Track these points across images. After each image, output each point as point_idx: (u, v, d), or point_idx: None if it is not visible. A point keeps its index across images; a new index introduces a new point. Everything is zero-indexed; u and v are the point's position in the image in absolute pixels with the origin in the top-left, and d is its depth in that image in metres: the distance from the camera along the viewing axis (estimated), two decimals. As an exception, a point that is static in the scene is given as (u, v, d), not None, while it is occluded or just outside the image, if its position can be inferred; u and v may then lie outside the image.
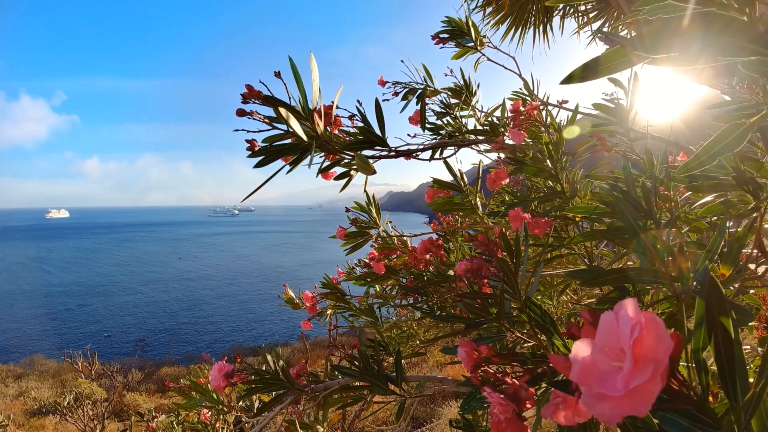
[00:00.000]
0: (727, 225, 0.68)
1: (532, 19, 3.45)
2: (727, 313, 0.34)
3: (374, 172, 0.82)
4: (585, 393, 0.31)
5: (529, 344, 0.74)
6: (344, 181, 0.94)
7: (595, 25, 3.44)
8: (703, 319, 0.35)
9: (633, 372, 0.28)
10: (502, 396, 0.41)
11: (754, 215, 0.73)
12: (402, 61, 1.75)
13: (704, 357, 0.36)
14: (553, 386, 0.41)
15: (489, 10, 3.35)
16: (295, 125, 0.75)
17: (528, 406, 0.41)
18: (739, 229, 0.70)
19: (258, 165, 0.78)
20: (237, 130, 0.76)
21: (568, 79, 0.56)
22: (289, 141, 0.80)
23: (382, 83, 1.79)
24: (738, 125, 0.55)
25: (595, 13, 3.36)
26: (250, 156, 0.78)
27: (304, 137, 0.78)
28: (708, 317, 0.35)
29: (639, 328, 0.29)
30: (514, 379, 0.44)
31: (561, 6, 3.25)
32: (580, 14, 3.46)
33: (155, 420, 2.28)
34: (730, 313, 0.34)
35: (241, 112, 0.73)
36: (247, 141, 0.77)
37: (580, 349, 0.32)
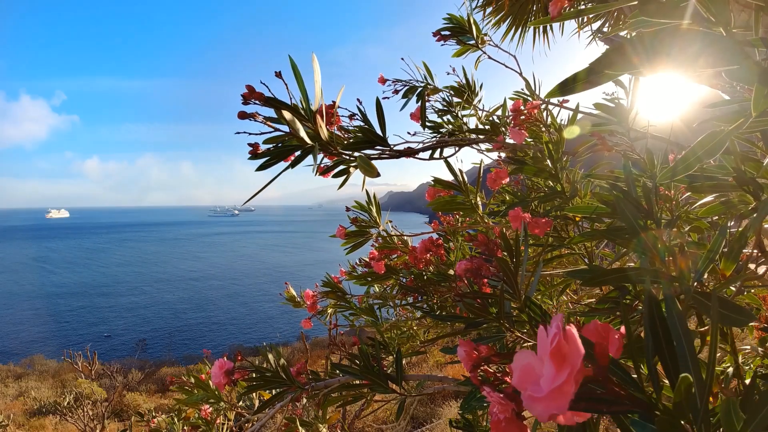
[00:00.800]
0: (722, 226, 0.68)
1: (532, 18, 3.45)
2: (666, 327, 0.38)
3: (378, 175, 0.82)
4: (522, 395, 0.35)
5: (529, 344, 0.74)
6: (342, 179, 0.94)
7: (595, 26, 3.44)
8: (647, 323, 0.39)
9: (551, 375, 0.33)
10: (501, 395, 0.41)
11: (755, 215, 0.73)
12: (402, 58, 1.75)
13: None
14: (514, 390, 0.43)
15: (489, 10, 3.35)
16: (299, 128, 0.75)
17: (528, 405, 0.42)
18: (739, 229, 0.70)
19: (260, 168, 0.78)
20: (238, 133, 0.76)
21: (569, 88, 0.55)
22: (290, 142, 0.80)
23: (383, 81, 1.79)
24: (718, 132, 0.55)
25: (595, 13, 3.36)
26: (251, 158, 0.78)
27: (308, 140, 0.78)
28: (652, 329, 0.39)
29: (558, 338, 0.34)
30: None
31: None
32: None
33: (156, 419, 2.29)
34: (675, 320, 0.38)
35: (242, 115, 0.73)
36: (250, 145, 0.76)
37: (520, 358, 0.37)
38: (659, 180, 0.58)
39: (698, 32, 0.45)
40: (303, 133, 0.75)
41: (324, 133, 0.81)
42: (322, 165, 0.91)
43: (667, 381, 0.39)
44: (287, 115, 0.73)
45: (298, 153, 0.80)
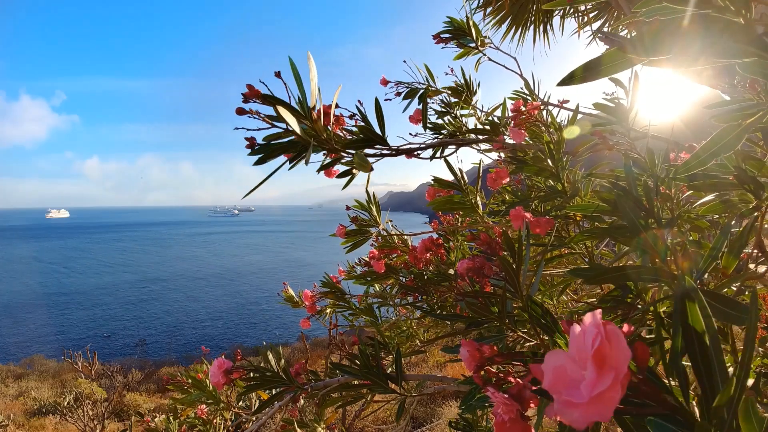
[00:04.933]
0: (725, 224, 0.68)
1: (532, 18, 3.45)
2: (699, 322, 0.35)
3: (371, 170, 0.82)
4: (556, 400, 0.32)
5: (530, 343, 0.73)
6: (346, 179, 0.95)
7: (596, 25, 3.44)
8: (679, 323, 0.36)
9: (595, 380, 0.30)
10: (506, 396, 0.41)
11: (755, 215, 0.73)
12: (404, 61, 1.76)
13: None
14: (535, 392, 0.42)
15: (489, 10, 3.35)
16: (293, 123, 0.75)
17: (532, 405, 0.42)
18: (739, 229, 0.70)
19: (257, 162, 0.78)
20: (237, 129, 0.76)
21: (569, 80, 0.56)
22: (288, 139, 0.80)
23: (385, 83, 1.80)
24: (735, 126, 0.55)
25: (595, 13, 3.36)
26: (250, 154, 0.78)
27: (303, 135, 0.78)
28: (683, 325, 0.36)
29: (600, 338, 0.31)
30: (517, 379, 0.44)
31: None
32: (580, 14, 3.46)
33: (155, 419, 2.28)
34: (705, 316, 0.36)
35: (240, 111, 0.73)
36: (247, 139, 0.77)
37: (552, 358, 0.34)
38: (676, 175, 0.57)
39: (701, 29, 0.45)
40: (298, 129, 0.76)
41: (320, 129, 0.81)
42: (321, 163, 0.91)
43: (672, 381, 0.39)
44: (283, 111, 0.73)
45: (294, 149, 0.80)
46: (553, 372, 0.33)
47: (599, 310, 0.33)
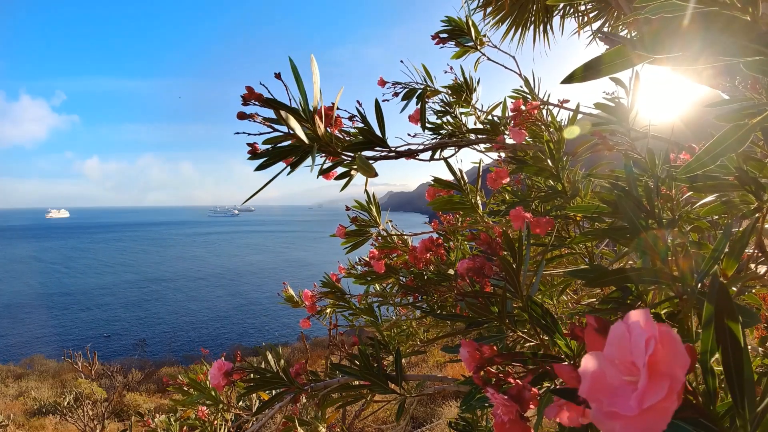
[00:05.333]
0: (727, 225, 0.68)
1: (532, 18, 3.45)
2: (736, 319, 0.33)
3: (376, 175, 0.81)
4: (595, 409, 0.29)
5: (530, 344, 0.73)
6: (344, 180, 0.94)
7: (596, 25, 3.44)
8: (712, 324, 0.34)
9: (648, 389, 0.27)
10: (505, 397, 0.41)
11: (756, 215, 0.73)
12: (401, 61, 1.75)
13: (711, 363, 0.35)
14: (557, 394, 0.39)
15: (489, 10, 3.34)
16: (297, 128, 0.74)
17: (531, 406, 0.41)
18: (740, 229, 0.69)
19: (259, 168, 0.78)
20: (237, 133, 0.75)
21: (570, 79, 0.56)
22: (289, 143, 0.80)
23: (382, 83, 1.79)
24: (740, 126, 0.54)
25: (595, 13, 3.36)
26: (251, 158, 0.78)
27: (306, 140, 0.78)
28: (717, 322, 0.33)
29: (654, 342, 0.27)
30: (517, 380, 0.44)
31: (561, 6, 3.25)
32: (580, 14, 3.45)
33: (155, 420, 2.28)
34: (739, 318, 0.33)
35: (241, 115, 0.72)
36: (249, 145, 0.76)
37: (590, 362, 0.31)
38: (681, 174, 0.56)
39: (701, 29, 0.45)
40: (301, 134, 0.75)
41: (322, 133, 0.81)
42: (323, 166, 0.91)
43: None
44: (285, 114, 0.73)
45: (296, 154, 0.80)
46: (592, 378, 0.30)
47: (646, 309, 0.29)
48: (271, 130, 0.77)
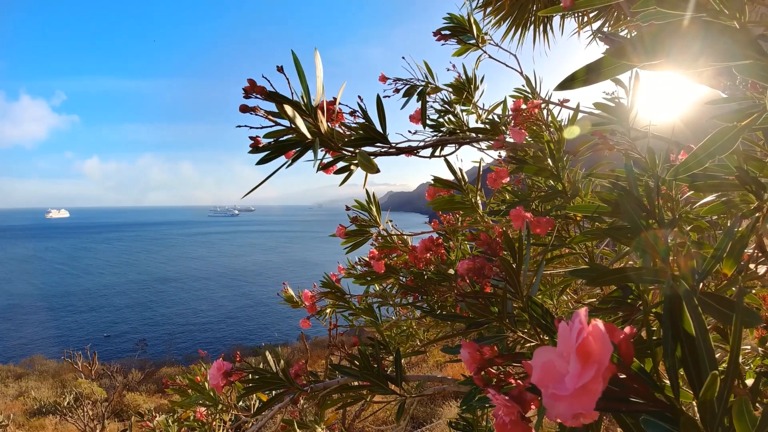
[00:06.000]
0: (729, 225, 0.67)
1: (532, 18, 3.45)
2: (687, 319, 0.37)
3: (378, 171, 0.81)
4: (543, 394, 0.34)
5: (530, 344, 0.73)
6: (344, 175, 0.94)
7: (596, 25, 3.44)
8: (668, 322, 0.38)
9: (578, 373, 0.31)
10: (507, 398, 0.41)
11: (757, 215, 0.72)
12: (403, 57, 1.74)
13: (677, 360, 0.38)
14: (529, 391, 0.44)
15: (489, 10, 3.34)
16: (300, 123, 0.74)
17: (532, 407, 0.41)
18: (740, 229, 0.69)
19: (261, 162, 0.78)
20: (239, 126, 0.75)
21: (570, 82, 0.55)
22: (291, 137, 0.80)
23: (383, 79, 1.78)
24: (731, 127, 0.55)
25: (595, 13, 3.36)
26: (252, 152, 0.78)
27: (308, 134, 0.77)
28: (672, 321, 0.38)
29: (584, 333, 0.32)
30: (518, 380, 0.44)
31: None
32: (580, 14, 3.46)
33: (154, 420, 2.28)
34: (689, 318, 0.37)
35: (244, 108, 0.72)
36: (251, 138, 0.76)
37: (541, 354, 0.35)
38: (670, 176, 0.57)
39: (700, 30, 0.45)
40: (304, 128, 0.75)
41: (324, 128, 0.81)
42: (322, 161, 0.91)
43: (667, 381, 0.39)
44: (288, 109, 0.72)
45: (298, 148, 0.80)
46: (541, 367, 0.35)
47: (585, 308, 0.35)
48: (273, 124, 0.77)
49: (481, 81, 1.78)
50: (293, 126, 0.75)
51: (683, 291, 0.38)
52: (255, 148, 0.78)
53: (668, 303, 0.38)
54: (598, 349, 0.32)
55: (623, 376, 0.36)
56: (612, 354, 0.32)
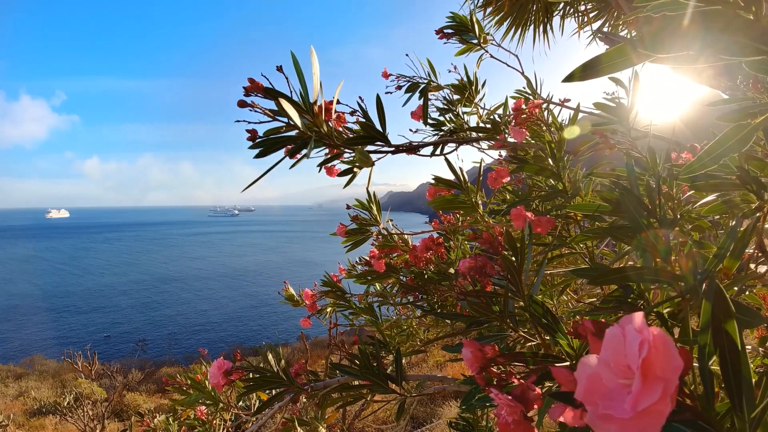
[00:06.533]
0: (733, 225, 0.67)
1: (532, 18, 3.45)
2: (733, 320, 0.33)
3: (373, 164, 0.82)
4: (591, 412, 0.29)
5: (531, 343, 0.73)
6: (347, 179, 0.94)
7: (596, 25, 3.44)
8: (709, 326, 0.34)
9: (642, 392, 0.27)
10: (510, 397, 0.40)
11: (757, 215, 0.72)
12: (407, 54, 1.74)
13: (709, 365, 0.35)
14: (555, 398, 0.40)
15: (489, 10, 3.34)
16: (295, 117, 0.75)
17: (535, 406, 0.41)
18: (741, 229, 0.69)
19: (258, 155, 0.78)
20: (238, 121, 0.76)
21: (569, 78, 0.56)
22: (289, 133, 0.81)
23: (386, 75, 1.78)
24: (742, 126, 0.54)
25: (595, 13, 3.35)
26: (251, 147, 0.78)
27: (300, 125, 0.78)
28: (714, 324, 0.34)
29: (647, 345, 0.27)
30: (520, 380, 0.44)
31: (561, 6, 3.25)
32: (580, 14, 3.45)
33: (154, 419, 2.28)
34: (735, 320, 0.33)
35: (242, 103, 0.73)
36: (248, 131, 0.77)
37: (586, 365, 0.31)
38: (681, 175, 0.56)
39: (702, 27, 0.45)
40: (298, 121, 0.76)
41: (322, 124, 0.81)
42: (321, 159, 0.91)
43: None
44: (285, 104, 0.73)
45: (295, 142, 0.81)
46: (588, 380, 0.30)
47: (641, 313, 0.30)
48: (272, 120, 0.78)
49: (483, 84, 1.78)
50: (291, 122, 0.76)
51: (721, 294, 0.34)
52: (252, 140, 0.79)
53: (713, 306, 0.33)
54: (664, 363, 0.27)
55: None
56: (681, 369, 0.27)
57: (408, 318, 1.90)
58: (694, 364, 0.37)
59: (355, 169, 0.92)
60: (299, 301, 1.94)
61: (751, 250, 0.73)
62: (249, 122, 0.78)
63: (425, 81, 1.79)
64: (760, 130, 0.52)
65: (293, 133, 0.80)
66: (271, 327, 26.89)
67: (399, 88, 1.77)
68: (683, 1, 0.45)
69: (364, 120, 0.93)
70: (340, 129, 0.91)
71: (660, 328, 0.29)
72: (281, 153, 0.83)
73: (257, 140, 0.78)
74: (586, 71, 0.53)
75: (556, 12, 3.41)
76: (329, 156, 0.90)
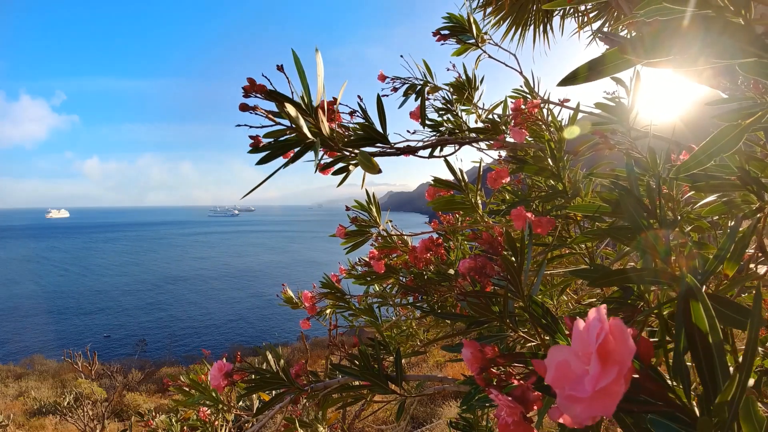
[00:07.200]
0: (732, 226, 0.67)
1: (532, 18, 3.45)
2: (703, 319, 0.36)
3: (379, 171, 0.81)
4: (558, 395, 0.32)
5: (531, 344, 0.73)
6: (342, 176, 0.94)
7: (596, 25, 3.44)
8: (682, 323, 0.37)
9: (600, 374, 0.30)
10: (509, 398, 0.41)
11: (758, 216, 0.72)
12: (401, 56, 1.74)
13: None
14: (537, 389, 0.42)
15: (489, 10, 3.34)
16: (302, 123, 0.74)
17: (535, 407, 0.41)
18: (741, 229, 0.69)
19: (261, 162, 0.77)
20: (239, 125, 0.75)
21: (572, 80, 0.55)
22: (291, 137, 0.79)
23: (382, 78, 1.78)
24: (734, 126, 0.54)
25: (595, 13, 3.36)
26: (252, 152, 0.77)
27: (309, 135, 0.77)
28: (686, 321, 0.36)
29: (604, 332, 0.31)
30: (520, 380, 0.44)
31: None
32: (580, 14, 3.45)
33: (155, 419, 2.28)
34: (705, 318, 0.36)
35: (244, 107, 0.72)
36: (251, 137, 0.76)
37: (555, 353, 0.34)
38: (679, 173, 0.57)
39: (701, 28, 0.45)
40: (306, 128, 0.74)
41: (325, 128, 0.80)
42: (321, 162, 0.91)
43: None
44: (290, 109, 0.72)
45: (299, 148, 0.80)
46: (556, 367, 0.33)
47: (603, 306, 0.33)
48: (273, 123, 0.77)
49: (481, 81, 1.78)
50: (294, 126, 0.75)
51: (696, 289, 0.37)
52: (255, 147, 0.77)
53: (683, 301, 0.36)
54: (619, 348, 0.30)
55: (636, 375, 0.35)
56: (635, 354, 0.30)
57: (408, 319, 1.90)
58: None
59: (350, 167, 0.92)
60: (298, 303, 1.94)
61: (752, 251, 0.72)
62: (250, 126, 0.76)
63: (422, 82, 1.79)
64: (753, 128, 0.53)
65: (294, 135, 0.79)
66: (274, 328, 26.84)
67: (395, 90, 1.77)
68: (676, 7, 0.45)
69: (364, 121, 0.92)
70: (337, 128, 0.90)
71: (617, 318, 0.32)
72: (282, 157, 0.82)
73: (261, 146, 0.77)
74: (589, 73, 0.53)
75: (556, 12, 3.42)
76: (330, 160, 0.90)
